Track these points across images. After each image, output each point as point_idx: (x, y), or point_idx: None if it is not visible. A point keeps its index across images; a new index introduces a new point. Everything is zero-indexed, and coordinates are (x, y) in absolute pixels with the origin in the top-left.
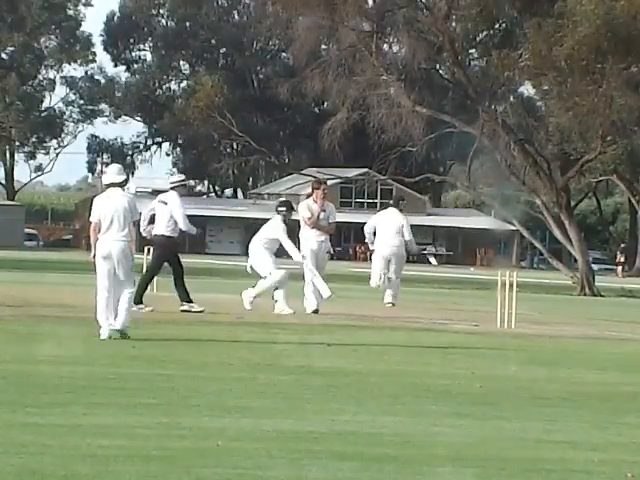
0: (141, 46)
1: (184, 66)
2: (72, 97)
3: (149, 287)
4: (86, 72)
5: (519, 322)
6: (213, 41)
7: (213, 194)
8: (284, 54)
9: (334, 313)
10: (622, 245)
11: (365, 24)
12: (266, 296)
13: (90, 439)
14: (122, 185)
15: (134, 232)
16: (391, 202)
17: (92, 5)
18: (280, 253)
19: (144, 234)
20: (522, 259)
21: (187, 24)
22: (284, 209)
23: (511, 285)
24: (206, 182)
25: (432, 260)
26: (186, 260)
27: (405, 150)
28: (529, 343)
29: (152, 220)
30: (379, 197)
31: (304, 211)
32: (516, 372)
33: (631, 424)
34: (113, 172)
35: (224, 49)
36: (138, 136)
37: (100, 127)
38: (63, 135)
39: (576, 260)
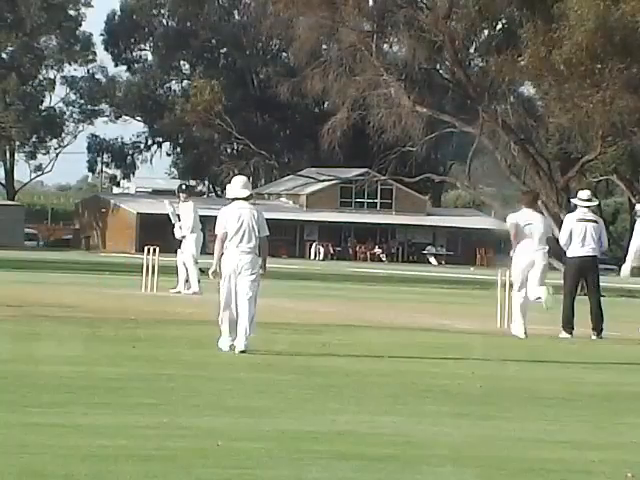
0: (142, 46)
1: (184, 66)
2: (72, 97)
3: (148, 287)
4: (87, 71)
5: None
6: (213, 41)
7: (213, 194)
8: (284, 54)
9: (334, 313)
10: None
11: (365, 24)
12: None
13: (90, 439)
14: (247, 199)
15: (266, 247)
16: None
17: (92, 6)
18: None
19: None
20: None
21: (188, 24)
22: None
23: (511, 285)
24: (206, 182)
25: (432, 260)
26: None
27: (405, 150)
28: (529, 343)
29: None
30: (379, 197)
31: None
32: (516, 372)
33: (631, 424)
34: (237, 186)
35: (224, 49)
36: (138, 136)
37: (100, 127)
38: (63, 135)
39: None
